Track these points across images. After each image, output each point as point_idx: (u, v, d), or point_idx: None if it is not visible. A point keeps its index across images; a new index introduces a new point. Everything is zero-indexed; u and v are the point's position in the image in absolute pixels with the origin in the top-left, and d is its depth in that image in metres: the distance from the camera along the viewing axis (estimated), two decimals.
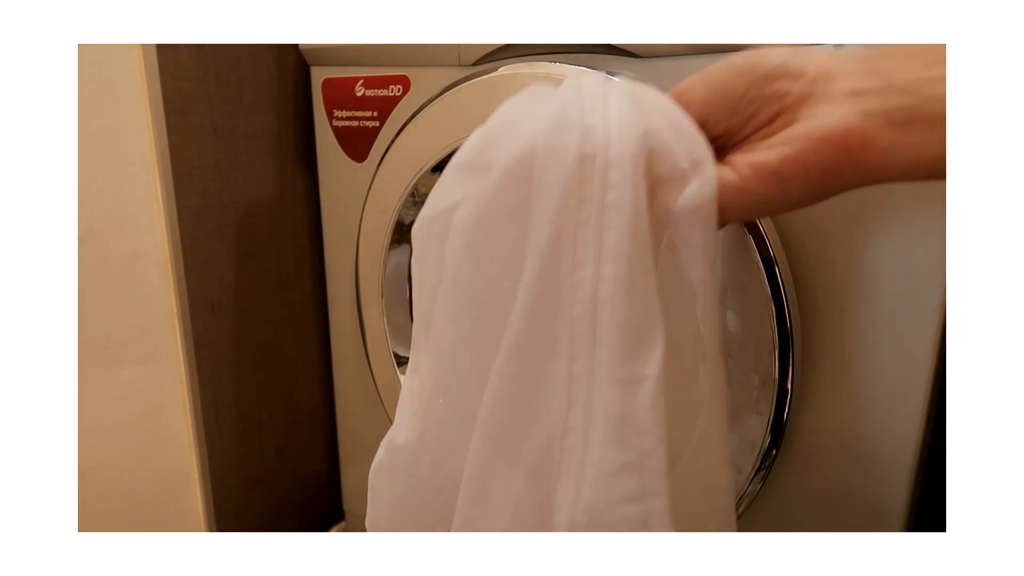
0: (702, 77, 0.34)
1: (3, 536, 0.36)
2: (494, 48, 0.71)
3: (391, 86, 0.80)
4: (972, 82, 0.27)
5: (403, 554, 0.38)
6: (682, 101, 0.35)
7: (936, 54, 0.28)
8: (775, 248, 0.59)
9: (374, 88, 0.81)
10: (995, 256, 0.27)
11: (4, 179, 0.39)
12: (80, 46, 0.68)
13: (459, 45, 0.73)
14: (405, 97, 0.79)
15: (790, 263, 0.60)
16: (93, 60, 0.69)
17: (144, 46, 0.73)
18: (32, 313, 0.39)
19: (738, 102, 0.32)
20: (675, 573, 0.30)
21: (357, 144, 0.85)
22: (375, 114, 0.82)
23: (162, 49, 0.74)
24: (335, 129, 0.87)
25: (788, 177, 0.30)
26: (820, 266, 0.59)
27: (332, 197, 0.91)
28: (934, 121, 0.27)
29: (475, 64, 0.73)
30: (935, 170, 0.28)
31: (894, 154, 0.28)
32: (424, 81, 0.77)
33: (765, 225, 0.58)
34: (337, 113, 0.86)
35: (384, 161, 0.81)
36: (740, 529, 0.68)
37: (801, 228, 0.59)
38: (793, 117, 0.30)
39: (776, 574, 0.29)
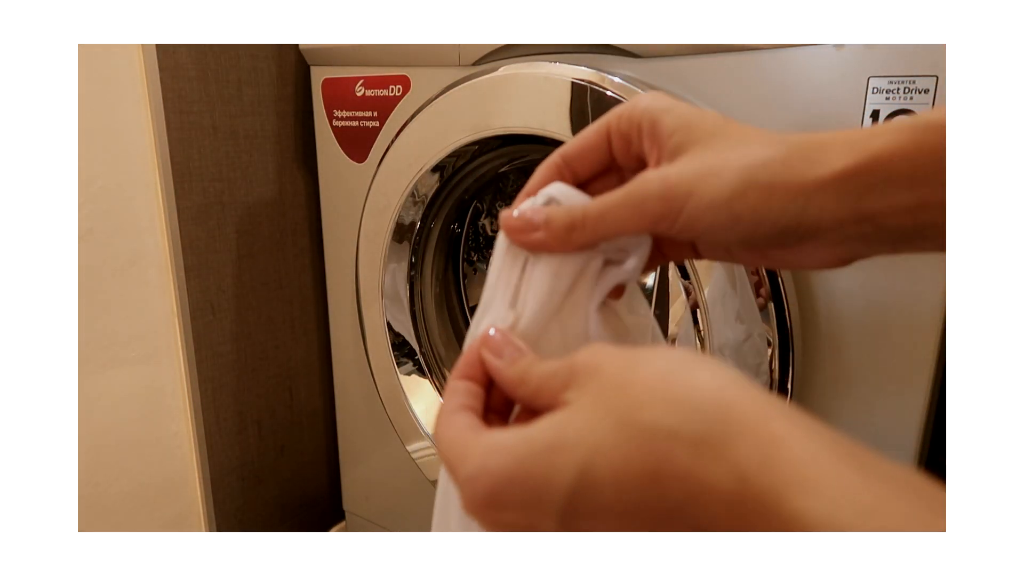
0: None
1: (3, 536, 0.36)
2: (494, 48, 0.71)
3: (391, 86, 0.80)
4: (972, 82, 0.27)
5: (403, 554, 0.38)
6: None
7: None
8: None
9: (374, 88, 0.81)
10: (995, 257, 0.27)
11: (4, 179, 0.39)
12: (80, 46, 0.68)
13: (459, 45, 0.73)
14: (405, 97, 0.79)
15: None
16: (93, 60, 0.69)
17: (144, 46, 0.73)
18: (32, 313, 0.39)
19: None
20: (675, 573, 0.30)
21: (357, 144, 0.85)
22: (375, 114, 0.82)
23: (162, 49, 0.74)
24: (335, 129, 0.87)
25: None
26: None
27: (332, 197, 0.91)
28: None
29: (475, 64, 0.73)
30: None
31: None
32: (424, 81, 0.77)
33: None
34: (337, 113, 0.86)
35: (384, 161, 0.81)
36: None
37: None
38: None
39: (776, 574, 0.29)
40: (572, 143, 0.34)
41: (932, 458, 0.62)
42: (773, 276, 0.58)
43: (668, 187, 0.29)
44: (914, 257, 0.55)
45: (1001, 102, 0.27)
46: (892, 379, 0.58)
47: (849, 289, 0.59)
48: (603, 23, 0.59)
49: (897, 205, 0.27)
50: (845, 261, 0.30)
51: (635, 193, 0.30)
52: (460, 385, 0.30)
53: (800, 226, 0.29)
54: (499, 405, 0.30)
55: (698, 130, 0.30)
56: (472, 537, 0.33)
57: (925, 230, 0.28)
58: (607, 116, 0.33)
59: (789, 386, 0.60)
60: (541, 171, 0.34)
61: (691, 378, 0.23)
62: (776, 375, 0.60)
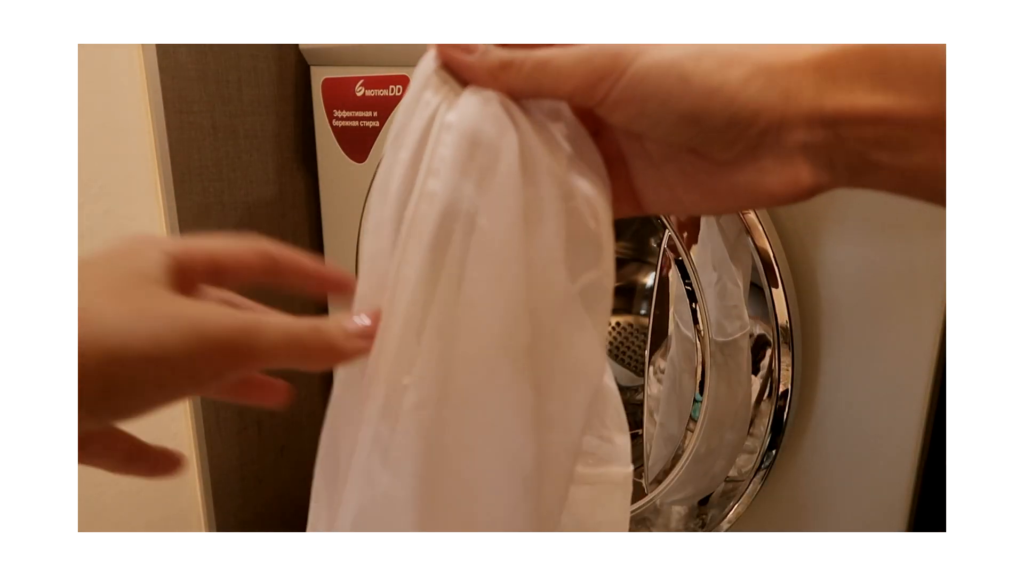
0: (633, 95, 0.27)
1: (3, 536, 0.36)
2: None
3: (391, 86, 0.80)
4: (972, 82, 0.27)
5: (403, 554, 0.38)
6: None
7: (884, 68, 0.26)
8: (775, 248, 0.59)
9: (374, 88, 0.81)
10: (995, 256, 0.27)
11: (3, 179, 0.39)
12: (80, 46, 0.68)
13: None
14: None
15: (790, 263, 0.60)
16: (93, 60, 0.69)
17: (144, 46, 0.73)
18: (32, 313, 0.39)
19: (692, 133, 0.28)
20: (674, 573, 0.30)
21: (357, 144, 0.85)
22: (375, 114, 0.82)
23: (162, 49, 0.74)
24: (335, 129, 0.87)
25: None
26: (820, 266, 0.59)
27: (332, 197, 0.91)
28: (876, 166, 0.27)
29: None
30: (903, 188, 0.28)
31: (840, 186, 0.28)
32: None
33: (765, 225, 0.58)
34: (337, 113, 0.86)
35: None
36: (740, 529, 0.68)
37: (801, 228, 0.59)
38: (742, 162, 0.28)
39: (776, 574, 0.29)
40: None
41: (932, 458, 0.62)
42: (773, 276, 0.58)
43: (622, 47, 0.28)
44: (914, 257, 0.55)
45: (1001, 102, 0.27)
46: (892, 379, 0.58)
47: (849, 288, 0.59)
48: (603, 23, 0.59)
49: (861, 108, 0.26)
50: (805, 188, 0.28)
51: (586, 47, 0.29)
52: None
53: (757, 115, 0.26)
54: None
55: None
56: (472, 537, 0.33)
57: (882, 153, 0.27)
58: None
59: (789, 386, 0.60)
60: None
61: None
62: (776, 375, 0.60)
